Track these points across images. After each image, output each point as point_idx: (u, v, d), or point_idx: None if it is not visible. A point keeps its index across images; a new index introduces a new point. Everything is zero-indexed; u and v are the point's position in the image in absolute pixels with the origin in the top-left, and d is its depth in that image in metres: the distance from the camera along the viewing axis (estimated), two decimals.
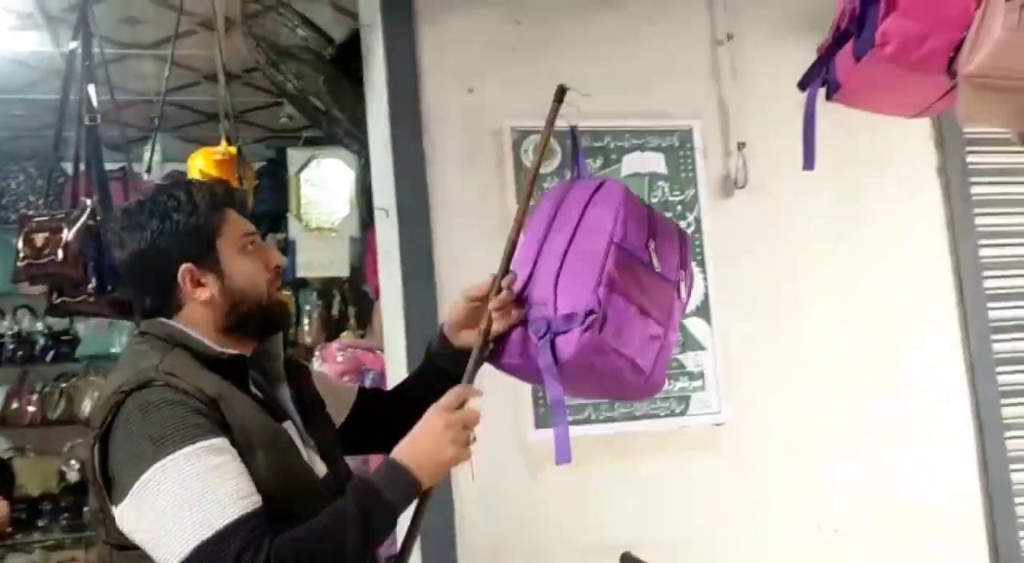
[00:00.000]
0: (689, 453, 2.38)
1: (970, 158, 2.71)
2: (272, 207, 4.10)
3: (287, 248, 4.06)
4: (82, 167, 2.49)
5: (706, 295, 2.43)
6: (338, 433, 1.51)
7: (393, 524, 1.26)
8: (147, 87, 3.74)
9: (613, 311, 1.35)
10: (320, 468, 1.35)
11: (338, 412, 1.54)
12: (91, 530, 1.25)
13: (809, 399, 2.47)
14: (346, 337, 3.64)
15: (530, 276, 1.44)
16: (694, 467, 2.37)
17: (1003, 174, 2.77)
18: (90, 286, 2.30)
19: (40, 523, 4.54)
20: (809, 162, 1.58)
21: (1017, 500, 2.62)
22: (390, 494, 1.23)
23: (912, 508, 2.50)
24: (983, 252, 2.68)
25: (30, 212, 2.55)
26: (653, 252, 1.44)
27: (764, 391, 2.44)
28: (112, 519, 1.19)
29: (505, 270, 1.44)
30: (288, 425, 1.34)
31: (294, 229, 4.07)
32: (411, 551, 1.38)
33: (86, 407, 4.51)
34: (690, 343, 2.40)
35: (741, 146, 2.48)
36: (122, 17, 3.28)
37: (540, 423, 2.25)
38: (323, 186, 4.03)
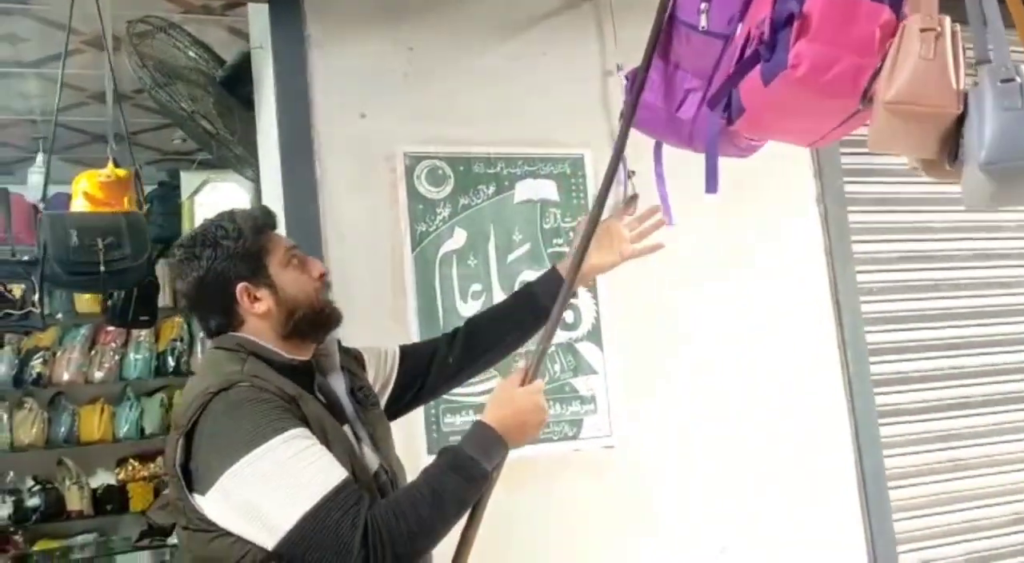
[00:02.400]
0: (581, 476, 2.40)
1: (847, 187, 2.83)
2: (164, 232, 3.96)
3: None
4: None
5: (597, 319, 2.47)
6: (393, 411, 1.69)
7: (483, 487, 1.39)
8: (30, 107, 3.61)
9: (654, 73, 1.70)
10: (372, 462, 1.45)
11: (387, 375, 1.70)
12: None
13: (698, 421, 2.53)
14: None
15: None
16: (586, 490, 2.39)
17: (878, 203, 2.91)
18: None
19: None
20: (712, 184, 1.63)
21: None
22: (485, 460, 1.36)
23: (797, 529, 2.58)
24: (860, 277, 2.81)
25: None
26: (703, 12, 1.64)
27: (654, 414, 2.49)
28: (191, 507, 1.29)
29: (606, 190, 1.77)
30: (346, 428, 1.45)
31: None
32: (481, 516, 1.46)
33: None
34: (582, 367, 2.44)
35: (632, 174, 2.52)
36: (2, 34, 3.16)
37: (432, 449, 2.24)
38: (218, 211, 3.91)
